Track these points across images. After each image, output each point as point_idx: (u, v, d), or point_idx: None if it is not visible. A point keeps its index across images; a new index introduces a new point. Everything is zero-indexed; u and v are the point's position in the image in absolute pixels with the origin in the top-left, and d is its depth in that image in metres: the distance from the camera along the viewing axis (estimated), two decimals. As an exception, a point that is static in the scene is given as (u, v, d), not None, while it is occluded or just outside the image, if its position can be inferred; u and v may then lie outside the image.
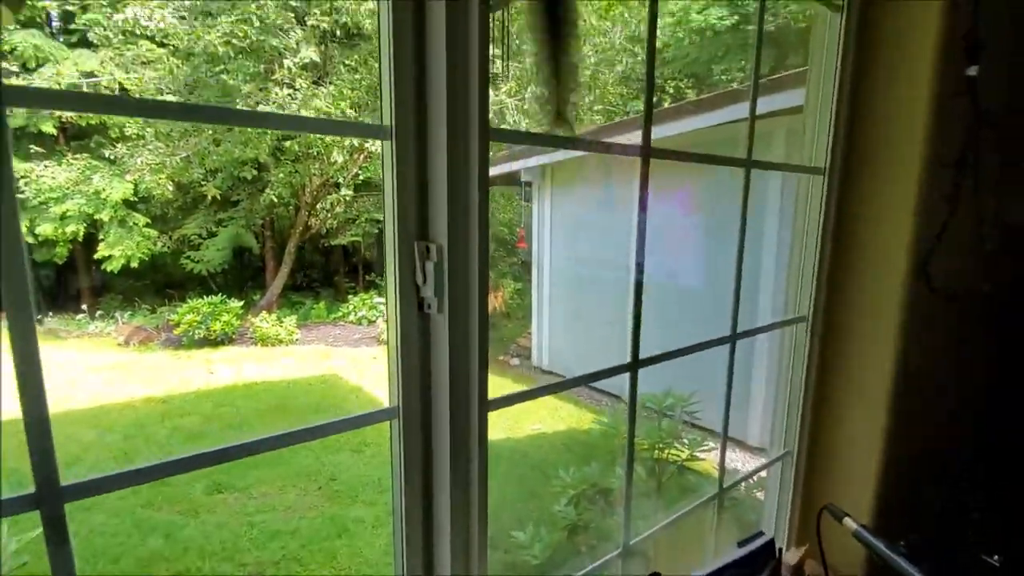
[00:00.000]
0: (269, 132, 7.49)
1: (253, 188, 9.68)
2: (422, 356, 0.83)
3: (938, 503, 1.64)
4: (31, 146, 9.59)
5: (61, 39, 9.69)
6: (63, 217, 9.33)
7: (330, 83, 7.87)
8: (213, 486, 4.38)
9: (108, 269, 9.55)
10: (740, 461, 4.55)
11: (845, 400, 1.53)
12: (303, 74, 7.63)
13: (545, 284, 7.29)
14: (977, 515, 1.64)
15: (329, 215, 10.06)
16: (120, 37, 7.49)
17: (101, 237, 9.52)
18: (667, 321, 4.28)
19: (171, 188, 8.55)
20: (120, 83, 8.02)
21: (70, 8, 8.17)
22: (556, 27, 1.01)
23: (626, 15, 9.04)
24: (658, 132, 3.93)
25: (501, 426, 5.51)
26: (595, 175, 6.54)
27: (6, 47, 8.30)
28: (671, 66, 10.75)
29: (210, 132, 7.86)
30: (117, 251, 9.33)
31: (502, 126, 8.02)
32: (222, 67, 7.60)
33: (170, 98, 7.94)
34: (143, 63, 7.62)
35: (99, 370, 7.11)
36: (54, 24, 9.99)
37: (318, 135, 7.65)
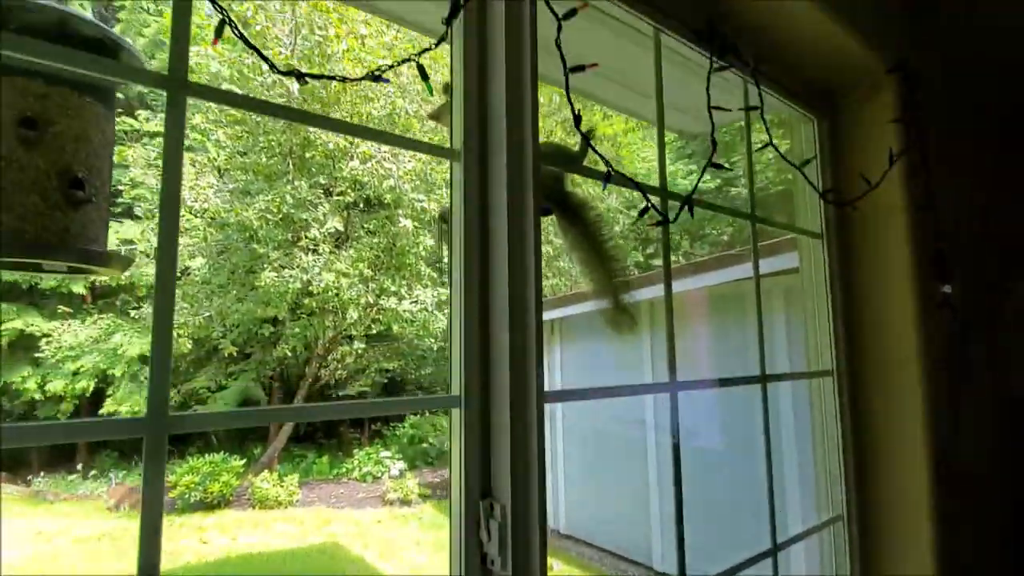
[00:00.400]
0: (290, 289, 7.90)
1: (267, 341, 9.94)
2: (483, 611, 0.85)
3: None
4: (59, 307, 10.06)
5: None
6: (75, 373, 9.45)
7: (350, 246, 8.49)
8: None
9: (111, 426, 9.41)
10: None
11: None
12: (327, 239, 8.28)
13: (559, 440, 7.11)
14: None
15: (339, 366, 10.18)
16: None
17: (110, 392, 9.55)
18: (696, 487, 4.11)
19: (189, 344, 8.78)
20: (156, 249, 8.67)
21: (121, 187, 9.13)
22: (584, 228, 1.18)
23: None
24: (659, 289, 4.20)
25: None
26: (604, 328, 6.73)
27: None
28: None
29: (234, 293, 8.30)
30: (124, 407, 9.28)
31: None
32: (251, 234, 8.28)
33: (200, 260, 8.52)
34: (180, 232, 8.32)
35: (84, 540, 6.66)
36: (103, 198, 11.06)
37: (334, 292, 8.07)
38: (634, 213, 9.86)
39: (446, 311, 9.65)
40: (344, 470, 9.51)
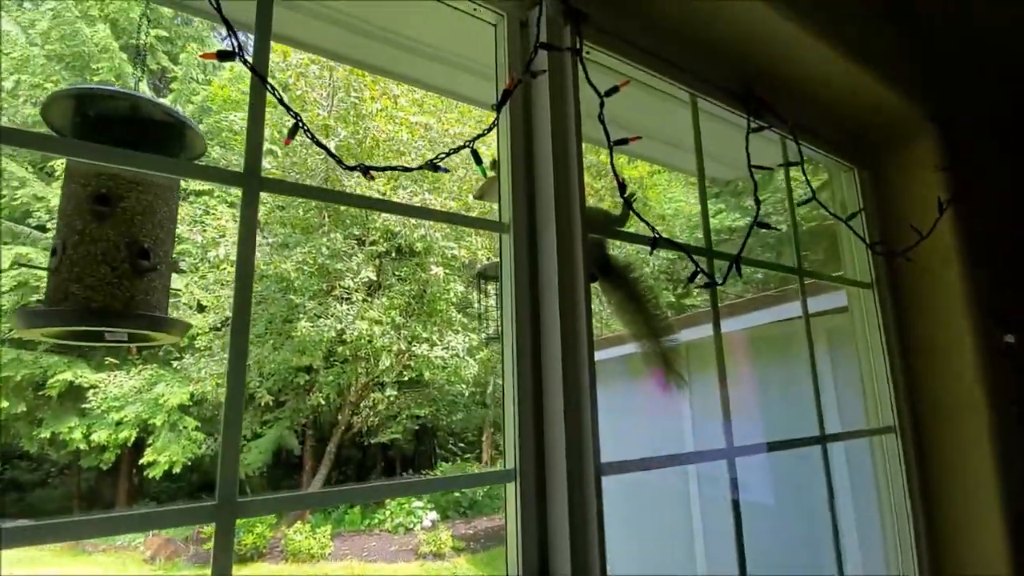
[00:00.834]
0: (325, 338, 8.05)
1: (301, 389, 10.06)
2: None
3: None
4: (107, 358, 10.44)
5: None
6: (119, 423, 9.70)
7: (383, 294, 8.65)
8: None
9: (150, 476, 9.56)
10: None
11: None
12: (360, 288, 8.47)
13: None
14: None
15: (372, 412, 10.19)
16: (206, 265, 8.64)
17: (150, 442, 9.73)
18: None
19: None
20: (199, 301, 9.01)
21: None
22: (628, 291, 1.17)
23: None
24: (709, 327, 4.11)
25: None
26: (639, 371, 6.61)
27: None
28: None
29: (271, 342, 8.50)
30: (163, 457, 9.43)
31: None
32: (287, 285, 8.54)
33: (239, 311, 8.77)
34: (221, 284, 8.64)
35: (121, 596, 6.66)
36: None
37: (367, 340, 8.17)
38: (665, 255, 9.81)
39: (478, 356, 9.66)
40: (376, 520, 9.36)
